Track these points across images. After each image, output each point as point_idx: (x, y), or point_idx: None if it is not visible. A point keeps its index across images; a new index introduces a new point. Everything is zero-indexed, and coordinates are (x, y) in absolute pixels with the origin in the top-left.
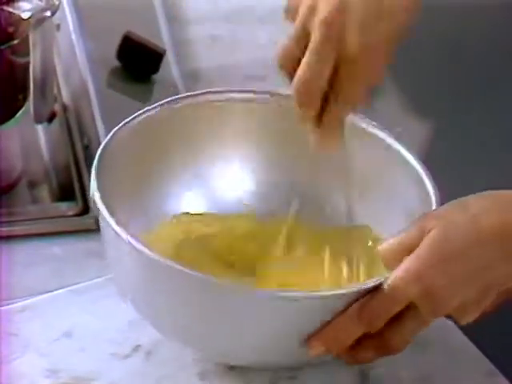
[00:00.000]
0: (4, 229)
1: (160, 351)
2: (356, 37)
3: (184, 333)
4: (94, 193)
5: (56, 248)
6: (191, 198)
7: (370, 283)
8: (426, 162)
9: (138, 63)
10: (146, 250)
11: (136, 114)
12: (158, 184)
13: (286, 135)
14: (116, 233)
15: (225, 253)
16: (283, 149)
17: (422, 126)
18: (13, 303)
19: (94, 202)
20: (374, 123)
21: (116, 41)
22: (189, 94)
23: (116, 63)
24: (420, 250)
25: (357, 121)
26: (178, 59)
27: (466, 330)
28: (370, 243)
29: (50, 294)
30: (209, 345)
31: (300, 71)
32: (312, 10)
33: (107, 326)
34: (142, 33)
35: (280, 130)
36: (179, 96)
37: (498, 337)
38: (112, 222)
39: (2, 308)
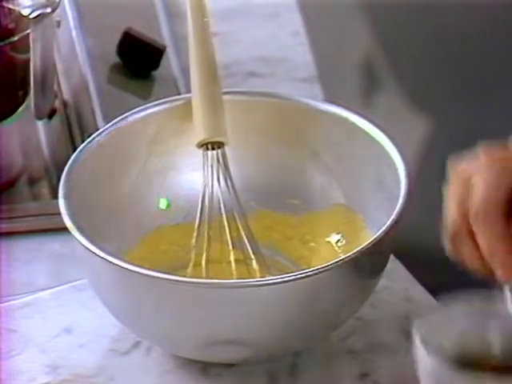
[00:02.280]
0: (4, 225)
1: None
2: None
3: (159, 334)
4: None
5: (56, 245)
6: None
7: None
8: (424, 158)
9: (138, 59)
10: (112, 259)
11: (105, 127)
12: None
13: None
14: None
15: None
16: (259, 149)
17: (421, 122)
18: (13, 299)
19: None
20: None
21: (116, 37)
22: (160, 101)
23: (116, 59)
24: None
25: (318, 105)
26: (178, 55)
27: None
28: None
29: (50, 290)
30: (188, 346)
31: None
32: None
33: (107, 323)
34: (143, 29)
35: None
36: (157, 102)
37: None
38: (82, 239)
39: (2, 304)
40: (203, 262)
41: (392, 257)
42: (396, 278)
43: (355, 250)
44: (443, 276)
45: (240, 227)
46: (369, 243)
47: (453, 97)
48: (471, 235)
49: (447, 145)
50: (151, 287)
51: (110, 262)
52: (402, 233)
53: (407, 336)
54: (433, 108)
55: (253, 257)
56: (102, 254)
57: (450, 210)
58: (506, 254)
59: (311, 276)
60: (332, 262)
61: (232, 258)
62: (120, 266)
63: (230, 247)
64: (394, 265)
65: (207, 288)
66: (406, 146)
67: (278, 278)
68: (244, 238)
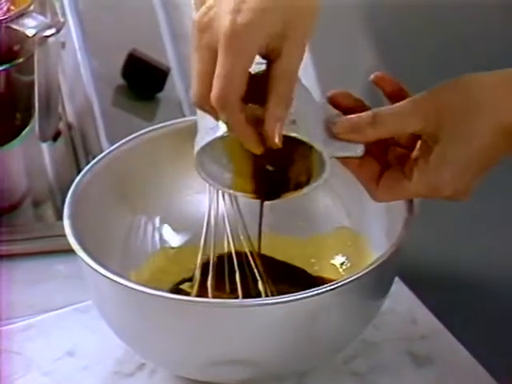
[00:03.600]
0: (8, 247)
1: (164, 370)
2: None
3: (164, 354)
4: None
5: (60, 266)
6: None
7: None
8: None
9: (142, 81)
10: (119, 279)
11: (110, 149)
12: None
13: None
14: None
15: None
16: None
17: None
18: (16, 322)
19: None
20: None
21: (121, 59)
22: (164, 123)
23: (121, 81)
24: None
25: None
26: (183, 77)
27: (472, 348)
28: (350, 243)
29: (53, 312)
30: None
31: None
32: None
33: (111, 345)
34: (147, 50)
35: None
36: (161, 125)
37: (505, 356)
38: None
39: (5, 327)
40: (209, 283)
41: (396, 279)
42: (400, 299)
43: (359, 271)
44: (447, 297)
45: (246, 248)
46: (372, 264)
47: None
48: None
49: None
50: (157, 307)
51: (115, 281)
52: (406, 255)
53: (411, 358)
54: None
55: (258, 278)
56: (107, 274)
57: (194, 80)
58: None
59: (315, 296)
60: (336, 282)
61: (238, 278)
62: (125, 286)
63: (236, 268)
64: (398, 286)
65: (213, 308)
66: None
67: (282, 298)
68: (250, 258)
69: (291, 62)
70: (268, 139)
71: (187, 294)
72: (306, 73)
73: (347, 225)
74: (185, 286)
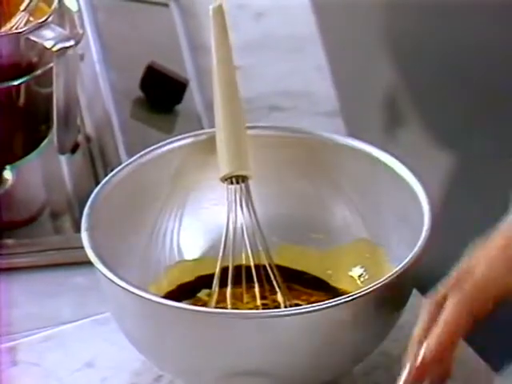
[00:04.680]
0: (27, 259)
1: (181, 382)
2: None
3: (182, 366)
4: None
5: (79, 278)
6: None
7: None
8: (448, 192)
9: (161, 94)
10: (138, 291)
11: (128, 161)
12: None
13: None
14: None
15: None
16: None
17: (445, 158)
18: (35, 333)
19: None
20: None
21: (139, 71)
22: (183, 135)
23: (139, 93)
24: None
25: (341, 139)
26: (201, 89)
27: (492, 361)
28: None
29: (72, 324)
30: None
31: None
32: None
33: (129, 356)
34: (166, 63)
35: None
36: (179, 137)
37: None
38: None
39: (24, 338)
40: (228, 294)
41: (415, 291)
42: (419, 312)
43: (377, 282)
44: None
45: (265, 259)
46: (391, 275)
47: (477, 132)
48: None
49: (471, 180)
50: (175, 318)
51: (134, 293)
52: (426, 268)
53: None
54: (457, 144)
55: (278, 289)
56: (125, 286)
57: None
58: None
59: (333, 307)
60: (353, 293)
61: (257, 290)
62: (144, 298)
63: (255, 279)
64: (417, 300)
65: (231, 318)
66: (430, 181)
67: (299, 309)
68: (269, 270)
69: None
70: None
71: (205, 302)
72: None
73: (365, 236)
74: (202, 294)
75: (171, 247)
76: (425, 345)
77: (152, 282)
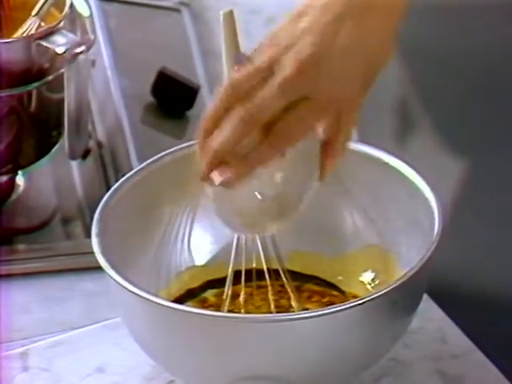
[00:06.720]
0: (38, 264)
1: None
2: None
3: (192, 371)
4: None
5: (89, 283)
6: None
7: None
8: (459, 198)
9: (172, 99)
10: (146, 295)
11: (139, 167)
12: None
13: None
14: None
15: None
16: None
17: (456, 163)
18: (45, 338)
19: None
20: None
21: (151, 76)
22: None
23: (151, 99)
24: None
25: (352, 145)
26: (212, 95)
27: (504, 367)
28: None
29: (82, 329)
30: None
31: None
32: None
33: (140, 361)
34: (177, 68)
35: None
36: (191, 143)
37: None
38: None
39: (34, 344)
40: (241, 299)
41: (426, 297)
42: (430, 318)
43: (387, 286)
44: (478, 316)
45: (277, 264)
46: (401, 279)
47: (488, 138)
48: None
49: (482, 185)
50: (186, 323)
51: (144, 297)
52: (437, 273)
53: (442, 377)
54: (467, 149)
55: (291, 294)
56: (135, 291)
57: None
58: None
59: (344, 311)
60: (364, 297)
61: (270, 294)
62: (154, 302)
63: (268, 283)
64: (428, 305)
65: (243, 323)
66: (440, 187)
67: (310, 313)
68: (281, 274)
69: None
70: None
71: (212, 303)
72: None
73: (376, 242)
74: (208, 294)
75: (181, 253)
76: None
77: (162, 287)
